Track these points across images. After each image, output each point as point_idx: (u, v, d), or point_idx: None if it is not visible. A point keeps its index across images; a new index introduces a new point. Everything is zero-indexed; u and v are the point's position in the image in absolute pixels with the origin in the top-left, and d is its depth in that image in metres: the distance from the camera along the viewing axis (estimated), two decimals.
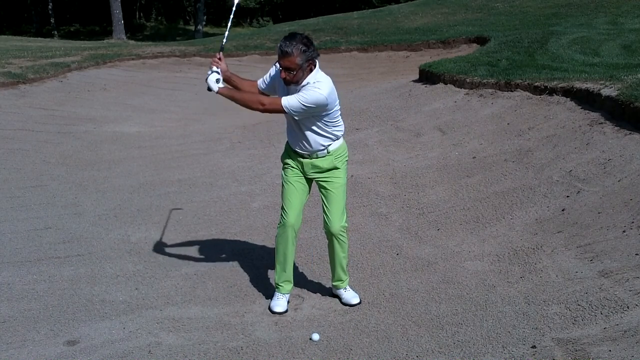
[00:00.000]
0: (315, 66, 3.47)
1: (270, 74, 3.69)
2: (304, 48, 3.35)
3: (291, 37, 3.38)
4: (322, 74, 3.51)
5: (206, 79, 3.58)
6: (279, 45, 3.38)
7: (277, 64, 3.53)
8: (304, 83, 3.46)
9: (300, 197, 3.74)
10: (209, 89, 3.59)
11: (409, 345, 3.42)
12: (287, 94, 3.52)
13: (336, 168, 3.72)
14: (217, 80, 3.57)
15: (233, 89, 3.69)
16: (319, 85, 3.42)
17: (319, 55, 3.51)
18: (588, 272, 3.78)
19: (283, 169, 3.79)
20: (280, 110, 3.47)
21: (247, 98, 3.59)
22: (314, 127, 3.58)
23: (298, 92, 3.46)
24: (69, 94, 11.45)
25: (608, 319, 3.25)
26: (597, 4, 16.36)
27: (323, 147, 3.65)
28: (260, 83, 3.72)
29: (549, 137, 5.95)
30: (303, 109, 3.43)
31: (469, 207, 5.20)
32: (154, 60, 15.40)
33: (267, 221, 5.36)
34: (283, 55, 3.35)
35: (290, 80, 3.42)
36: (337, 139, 3.70)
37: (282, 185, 3.78)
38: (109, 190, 6.47)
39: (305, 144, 3.64)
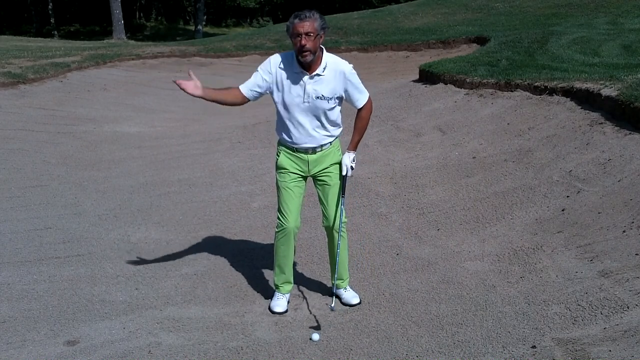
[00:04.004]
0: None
1: (258, 77, 3.54)
2: (318, 15, 3.39)
3: (301, 11, 3.41)
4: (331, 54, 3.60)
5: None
6: (293, 16, 3.37)
7: (266, 65, 3.49)
8: (322, 64, 3.46)
9: (298, 201, 3.74)
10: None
11: (409, 345, 3.42)
12: (297, 86, 3.48)
13: (337, 162, 3.74)
14: (354, 160, 3.76)
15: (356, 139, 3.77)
16: (342, 64, 3.53)
17: (328, 28, 3.51)
18: (588, 272, 3.78)
19: (279, 174, 3.75)
20: (372, 103, 3.74)
21: (367, 124, 3.77)
22: (322, 118, 3.59)
23: (315, 81, 3.47)
24: (69, 94, 11.46)
25: (608, 319, 3.25)
26: (597, 4, 16.39)
27: (332, 138, 3.69)
28: (244, 88, 3.57)
29: (549, 137, 5.95)
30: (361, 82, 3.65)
31: (469, 207, 5.20)
32: (154, 60, 15.42)
33: (267, 221, 5.36)
34: (303, 20, 3.33)
35: (310, 48, 3.34)
36: (339, 129, 3.75)
37: (279, 190, 3.74)
38: (109, 190, 6.47)
39: (318, 137, 3.62)
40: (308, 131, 3.59)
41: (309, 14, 3.36)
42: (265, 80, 3.54)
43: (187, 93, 3.43)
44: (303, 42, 3.33)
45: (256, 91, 3.58)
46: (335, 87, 3.51)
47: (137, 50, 16.79)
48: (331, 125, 3.64)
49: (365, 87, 3.74)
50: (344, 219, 3.79)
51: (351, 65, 3.57)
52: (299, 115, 3.55)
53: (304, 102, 3.51)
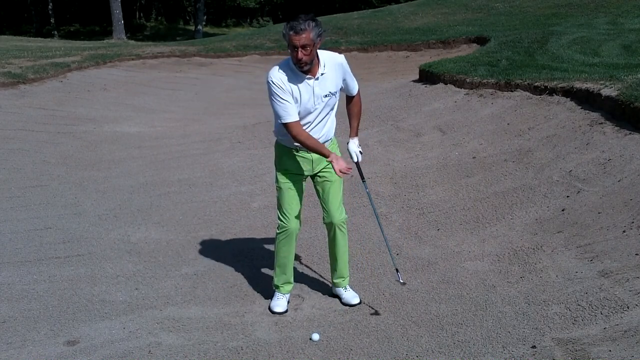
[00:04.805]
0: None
1: (286, 101, 3.44)
2: (314, 23, 3.35)
3: (297, 17, 3.36)
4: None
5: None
6: (288, 27, 3.32)
7: (276, 88, 3.42)
8: (322, 64, 3.48)
9: (299, 201, 3.76)
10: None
11: (409, 345, 3.42)
12: (307, 91, 3.47)
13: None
14: (359, 145, 3.87)
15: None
16: (336, 57, 3.58)
17: (324, 31, 3.47)
18: (588, 272, 3.78)
19: (281, 175, 3.75)
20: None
21: (360, 109, 3.88)
22: (330, 114, 3.65)
23: (321, 81, 3.48)
24: (69, 94, 11.45)
25: (608, 319, 3.25)
26: (597, 4, 16.37)
27: (333, 132, 3.75)
28: (293, 118, 3.46)
29: (549, 137, 5.95)
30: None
31: (469, 207, 5.20)
32: (154, 60, 15.41)
33: (267, 221, 5.36)
34: (298, 33, 3.29)
35: (306, 60, 3.35)
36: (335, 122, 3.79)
37: (281, 191, 3.74)
38: (109, 190, 6.47)
39: (322, 135, 3.65)
40: (318, 131, 3.62)
41: (303, 25, 3.30)
42: (289, 96, 3.45)
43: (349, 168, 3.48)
44: (300, 55, 3.33)
45: (293, 107, 3.47)
46: (338, 80, 3.59)
47: (137, 50, 16.78)
48: (334, 118, 3.73)
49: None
50: (344, 215, 3.80)
51: (342, 55, 3.65)
52: (311, 118, 3.57)
53: (315, 105, 3.53)
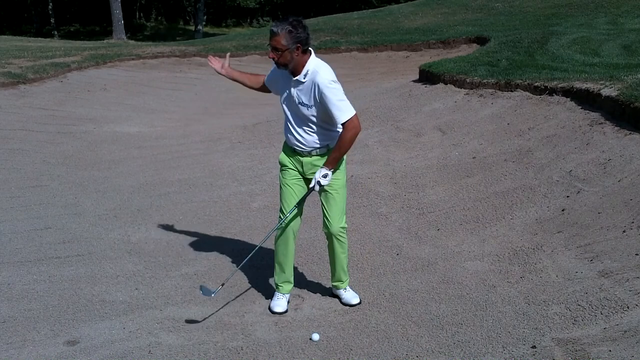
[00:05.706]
0: (307, 51, 3.43)
1: (271, 70, 3.75)
2: (290, 29, 3.32)
3: (282, 19, 3.41)
4: (320, 61, 3.52)
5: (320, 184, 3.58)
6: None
7: (273, 67, 3.62)
8: (304, 71, 3.43)
9: (298, 199, 3.73)
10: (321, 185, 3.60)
11: (409, 345, 3.43)
12: (288, 88, 3.54)
13: (336, 169, 3.65)
14: (325, 176, 3.55)
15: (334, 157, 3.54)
16: (320, 76, 3.40)
17: (308, 37, 3.40)
18: (588, 272, 3.78)
19: (281, 171, 3.77)
20: (358, 123, 3.46)
21: (349, 145, 3.49)
22: (310, 126, 3.55)
23: (297, 87, 3.48)
24: (69, 94, 11.45)
25: (608, 319, 3.26)
26: (597, 4, 16.38)
27: (325, 144, 3.61)
28: (266, 78, 3.84)
29: (549, 137, 5.96)
30: (344, 99, 3.44)
31: (469, 207, 5.20)
32: (154, 60, 15.40)
33: (267, 221, 5.36)
34: (270, 35, 3.39)
35: (278, 61, 3.41)
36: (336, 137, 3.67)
37: (280, 187, 3.76)
38: (109, 190, 6.47)
39: (308, 141, 3.59)
40: (299, 133, 3.60)
41: (277, 28, 3.33)
42: (272, 74, 3.72)
43: (215, 69, 3.83)
44: (270, 55, 3.42)
45: (271, 79, 3.75)
46: (313, 96, 3.45)
47: (137, 50, 16.78)
48: (323, 132, 3.58)
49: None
50: (343, 224, 3.77)
51: (331, 78, 3.40)
52: (290, 115, 3.61)
53: (291, 102, 3.56)
